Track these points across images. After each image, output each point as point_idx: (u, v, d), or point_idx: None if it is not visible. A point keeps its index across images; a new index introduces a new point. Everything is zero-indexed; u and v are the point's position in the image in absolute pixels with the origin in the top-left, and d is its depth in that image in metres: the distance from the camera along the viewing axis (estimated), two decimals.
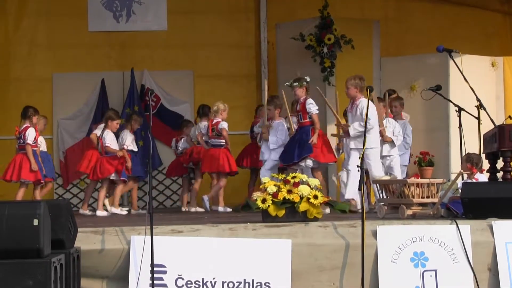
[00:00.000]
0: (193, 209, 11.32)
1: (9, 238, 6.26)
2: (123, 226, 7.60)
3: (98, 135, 11.23)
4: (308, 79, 10.67)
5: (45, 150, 11.62)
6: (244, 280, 7.28)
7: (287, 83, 10.83)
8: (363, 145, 7.97)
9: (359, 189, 7.50)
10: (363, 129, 9.34)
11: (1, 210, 6.35)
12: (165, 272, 7.26)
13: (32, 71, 13.16)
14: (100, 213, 10.93)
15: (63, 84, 13.16)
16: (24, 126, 10.95)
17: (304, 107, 10.59)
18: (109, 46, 13.45)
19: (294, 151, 10.49)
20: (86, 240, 7.36)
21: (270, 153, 10.89)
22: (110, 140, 11.13)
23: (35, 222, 6.30)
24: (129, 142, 11.44)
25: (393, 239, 7.45)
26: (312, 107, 10.55)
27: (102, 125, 11.38)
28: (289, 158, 10.54)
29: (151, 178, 7.40)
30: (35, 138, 10.92)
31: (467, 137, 9.92)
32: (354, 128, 9.91)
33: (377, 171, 9.80)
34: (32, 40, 13.31)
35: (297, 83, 10.65)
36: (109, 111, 11.54)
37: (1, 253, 6.25)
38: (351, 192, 9.86)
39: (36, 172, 10.87)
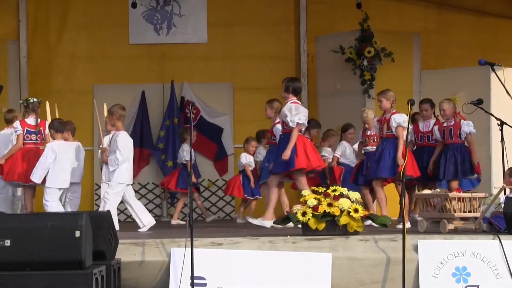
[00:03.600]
0: None
1: (52, 249, 6.32)
2: (163, 238, 7.63)
3: None
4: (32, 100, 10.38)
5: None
6: None
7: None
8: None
9: (400, 203, 7.44)
10: (118, 164, 9.42)
11: (44, 222, 6.42)
12: (205, 285, 7.27)
13: (73, 83, 13.27)
14: (175, 222, 11.09)
15: (104, 96, 13.18)
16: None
17: None
18: (149, 58, 13.53)
19: None
20: (126, 252, 7.40)
21: None
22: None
23: (77, 233, 6.35)
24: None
25: (435, 253, 7.40)
26: None
27: None
28: None
29: (191, 190, 7.41)
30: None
31: (509, 151, 9.79)
32: (114, 160, 9.53)
33: (112, 205, 9.43)
34: (74, 52, 13.44)
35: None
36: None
37: (44, 264, 6.31)
38: None
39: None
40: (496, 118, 9.93)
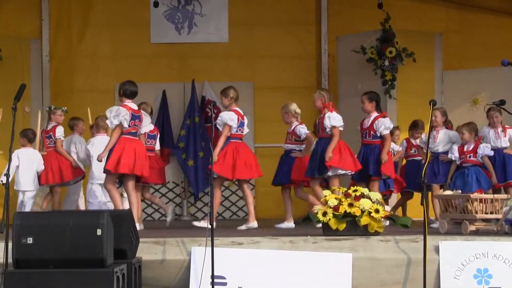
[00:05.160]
0: None
1: (73, 247, 6.36)
2: (184, 237, 7.65)
3: None
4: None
5: None
6: None
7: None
8: None
9: (421, 204, 7.41)
10: None
11: (66, 220, 6.45)
12: (225, 284, 7.29)
13: (95, 82, 13.32)
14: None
15: None
16: None
17: None
18: (170, 58, 13.55)
19: None
20: (147, 251, 7.43)
21: None
22: None
23: (99, 232, 6.38)
24: None
25: (456, 255, 7.37)
26: None
27: None
28: None
29: (212, 189, 7.42)
30: None
31: None
32: None
33: None
34: (95, 51, 13.49)
35: None
36: None
37: (66, 262, 6.35)
38: None
39: None
40: None
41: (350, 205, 7.80)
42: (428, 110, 7.82)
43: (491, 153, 9.97)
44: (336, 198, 7.89)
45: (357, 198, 7.84)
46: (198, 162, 12.94)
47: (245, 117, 9.86)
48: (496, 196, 8.31)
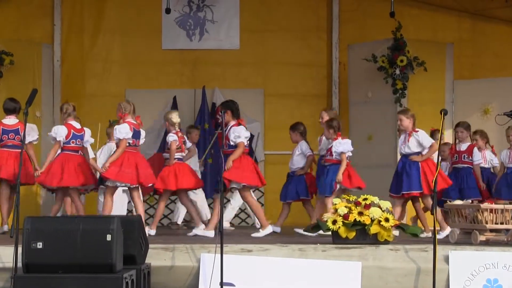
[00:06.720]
0: None
1: (83, 252, 6.38)
2: (193, 244, 7.65)
3: None
4: None
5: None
6: None
7: None
8: None
9: (432, 213, 7.40)
10: None
11: (76, 225, 6.47)
12: None
13: (106, 87, 13.35)
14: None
15: (136, 101, 13.12)
16: None
17: None
18: (181, 64, 13.58)
19: None
20: (156, 257, 7.44)
21: None
22: None
23: (109, 237, 6.40)
24: None
25: (466, 264, 7.36)
26: None
27: None
28: None
29: (222, 197, 7.43)
30: None
31: None
32: None
33: None
34: (107, 56, 13.53)
35: None
36: None
37: (75, 267, 6.37)
38: None
39: None
40: None
41: (360, 213, 7.80)
42: (439, 119, 7.81)
43: (346, 149, 9.70)
44: (346, 207, 7.89)
45: (367, 206, 7.84)
46: (207, 169, 12.92)
47: (86, 129, 9.90)
48: (507, 206, 8.28)
